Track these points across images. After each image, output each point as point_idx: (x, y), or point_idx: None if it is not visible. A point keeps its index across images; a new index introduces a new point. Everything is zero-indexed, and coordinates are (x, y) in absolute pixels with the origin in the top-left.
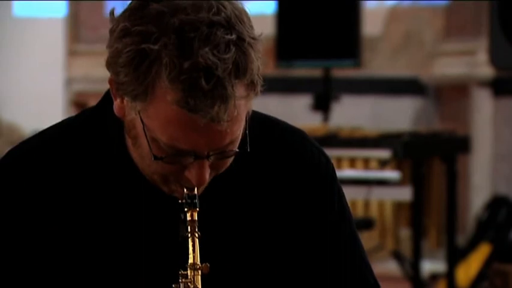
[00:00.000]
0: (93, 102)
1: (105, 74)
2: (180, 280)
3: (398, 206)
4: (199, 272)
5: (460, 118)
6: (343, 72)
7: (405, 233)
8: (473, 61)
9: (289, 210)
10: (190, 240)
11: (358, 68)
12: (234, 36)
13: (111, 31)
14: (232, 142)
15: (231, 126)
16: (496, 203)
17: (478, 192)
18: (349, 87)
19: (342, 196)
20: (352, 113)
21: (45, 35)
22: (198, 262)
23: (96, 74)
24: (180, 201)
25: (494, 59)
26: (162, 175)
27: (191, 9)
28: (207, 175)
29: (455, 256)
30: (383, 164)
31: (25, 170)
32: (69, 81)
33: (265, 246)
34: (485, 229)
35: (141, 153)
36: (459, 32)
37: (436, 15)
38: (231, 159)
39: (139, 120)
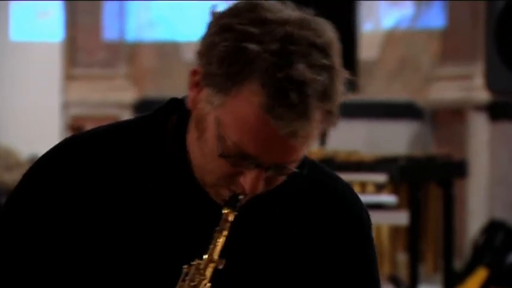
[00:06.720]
0: (89, 126)
1: (102, 98)
2: (192, 263)
3: (395, 231)
4: (213, 264)
5: (456, 142)
6: None
7: (402, 258)
8: (469, 85)
9: (319, 253)
10: (216, 235)
11: (354, 92)
12: (327, 62)
13: (211, 24)
14: (294, 161)
15: (301, 146)
16: (493, 227)
17: (475, 216)
18: (345, 111)
19: (374, 254)
20: (349, 137)
21: (42, 59)
22: (215, 257)
23: (92, 98)
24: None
25: (491, 83)
26: (216, 176)
27: (298, 25)
28: (261, 186)
29: (452, 280)
30: (379, 188)
31: (78, 156)
32: (65, 105)
33: (283, 272)
34: (482, 253)
35: (203, 149)
36: (455, 57)
37: (432, 40)
38: (284, 177)
39: (214, 114)
